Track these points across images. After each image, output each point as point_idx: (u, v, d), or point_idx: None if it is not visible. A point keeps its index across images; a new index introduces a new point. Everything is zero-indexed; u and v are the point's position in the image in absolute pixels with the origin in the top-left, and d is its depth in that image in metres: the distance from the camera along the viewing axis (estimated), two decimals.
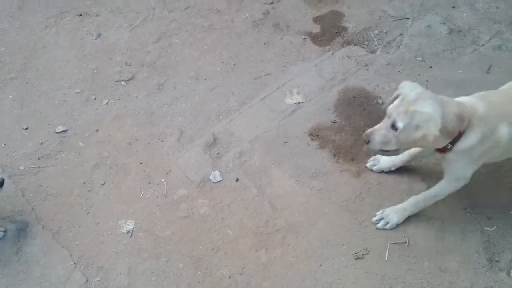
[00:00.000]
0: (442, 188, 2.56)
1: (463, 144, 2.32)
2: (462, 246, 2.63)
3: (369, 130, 2.39)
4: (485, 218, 2.72)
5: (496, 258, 2.58)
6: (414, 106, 2.21)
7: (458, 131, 2.28)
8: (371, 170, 2.94)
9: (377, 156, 2.94)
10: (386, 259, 2.60)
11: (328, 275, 2.57)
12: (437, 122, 2.17)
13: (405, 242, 2.65)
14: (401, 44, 3.55)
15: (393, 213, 2.69)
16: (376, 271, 2.57)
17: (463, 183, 2.49)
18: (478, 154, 2.36)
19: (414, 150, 2.80)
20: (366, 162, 2.96)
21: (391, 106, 2.33)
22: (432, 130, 2.17)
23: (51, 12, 4.00)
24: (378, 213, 2.74)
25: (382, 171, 2.92)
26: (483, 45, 3.49)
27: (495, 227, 2.68)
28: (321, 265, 2.61)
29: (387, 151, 2.40)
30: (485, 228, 2.68)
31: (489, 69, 3.33)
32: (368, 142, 2.39)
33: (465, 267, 2.56)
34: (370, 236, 2.69)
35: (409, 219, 2.71)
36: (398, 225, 2.69)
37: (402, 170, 2.91)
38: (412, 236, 2.67)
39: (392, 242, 2.65)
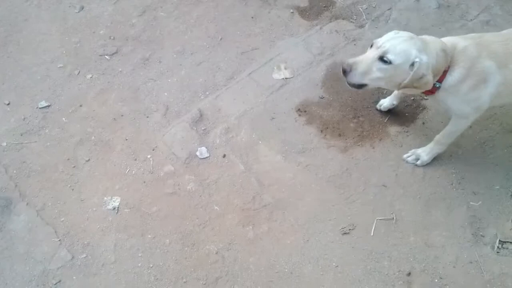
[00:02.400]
0: (454, 126, 2.62)
1: (449, 80, 2.35)
2: (448, 221, 2.65)
3: (352, 60, 2.31)
4: (471, 193, 2.73)
5: (481, 233, 2.60)
6: (409, 44, 2.23)
7: (444, 68, 2.31)
8: (379, 110, 3.04)
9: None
10: (372, 234, 2.61)
11: (315, 250, 2.58)
12: (429, 66, 2.22)
13: (392, 218, 2.66)
14: (389, 19, 3.51)
15: (423, 152, 2.79)
16: (362, 246, 2.59)
17: (472, 118, 2.52)
18: (466, 90, 2.36)
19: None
20: (375, 104, 3.07)
21: (382, 37, 2.29)
22: (429, 77, 2.23)
23: None
24: (410, 151, 2.84)
25: (388, 110, 3.03)
26: (471, 20, 3.46)
27: (480, 202, 2.70)
28: (308, 240, 2.62)
29: (359, 86, 2.37)
30: (471, 203, 2.70)
31: None
32: (349, 71, 2.31)
33: (451, 241, 2.58)
34: (356, 212, 2.69)
35: (394, 194, 2.74)
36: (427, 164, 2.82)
37: (390, 147, 2.91)
38: (398, 211, 2.68)
39: (379, 218, 2.67)
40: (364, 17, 3.55)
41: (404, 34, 2.29)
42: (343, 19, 3.57)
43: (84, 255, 2.58)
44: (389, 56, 2.22)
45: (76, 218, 2.71)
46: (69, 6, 3.73)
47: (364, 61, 2.29)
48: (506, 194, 2.70)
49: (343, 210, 2.71)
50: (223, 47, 3.47)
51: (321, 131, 3.01)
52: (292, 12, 3.64)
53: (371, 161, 2.88)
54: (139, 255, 2.58)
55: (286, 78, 3.27)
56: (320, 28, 3.51)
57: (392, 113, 3.03)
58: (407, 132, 2.95)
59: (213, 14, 3.66)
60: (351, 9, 3.62)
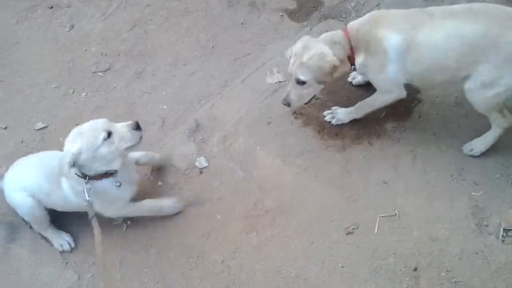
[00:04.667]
0: (375, 99, 2.81)
1: (357, 61, 2.60)
2: (451, 213, 2.64)
3: (284, 96, 2.73)
4: (471, 184, 2.73)
5: (484, 223, 2.60)
6: (305, 55, 2.53)
7: (346, 54, 2.58)
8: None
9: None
10: (376, 232, 2.61)
11: (320, 252, 2.58)
12: (328, 52, 2.51)
13: (395, 214, 2.65)
14: None
15: (342, 113, 2.97)
16: (367, 244, 2.59)
17: (395, 96, 2.70)
18: (377, 67, 2.55)
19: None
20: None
21: (289, 66, 2.60)
22: (330, 59, 2.51)
23: (21, 6, 3.90)
24: (331, 109, 3.02)
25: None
26: None
27: (482, 192, 2.69)
28: (312, 243, 2.62)
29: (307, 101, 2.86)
30: (472, 193, 2.70)
31: None
32: (288, 105, 2.73)
33: (455, 233, 2.58)
34: (359, 211, 2.69)
35: (395, 190, 2.74)
36: (343, 124, 2.98)
37: (388, 143, 2.90)
38: (400, 207, 2.68)
39: (382, 215, 2.66)
40: (353, 15, 3.55)
41: (301, 42, 2.62)
42: (332, 18, 3.57)
43: (91, 274, 2.59)
44: (301, 78, 2.59)
45: (81, 238, 2.72)
46: (59, 26, 3.75)
47: (291, 92, 2.69)
48: (507, 182, 2.70)
49: (345, 210, 2.71)
50: (215, 56, 3.48)
51: (318, 132, 3.01)
52: (281, 16, 3.64)
53: (370, 158, 2.88)
54: (145, 270, 2.59)
55: (279, 82, 3.27)
56: (310, 29, 3.52)
57: (387, 109, 3.02)
58: (403, 127, 2.95)
59: (203, 23, 3.67)
60: (340, 7, 3.63)
